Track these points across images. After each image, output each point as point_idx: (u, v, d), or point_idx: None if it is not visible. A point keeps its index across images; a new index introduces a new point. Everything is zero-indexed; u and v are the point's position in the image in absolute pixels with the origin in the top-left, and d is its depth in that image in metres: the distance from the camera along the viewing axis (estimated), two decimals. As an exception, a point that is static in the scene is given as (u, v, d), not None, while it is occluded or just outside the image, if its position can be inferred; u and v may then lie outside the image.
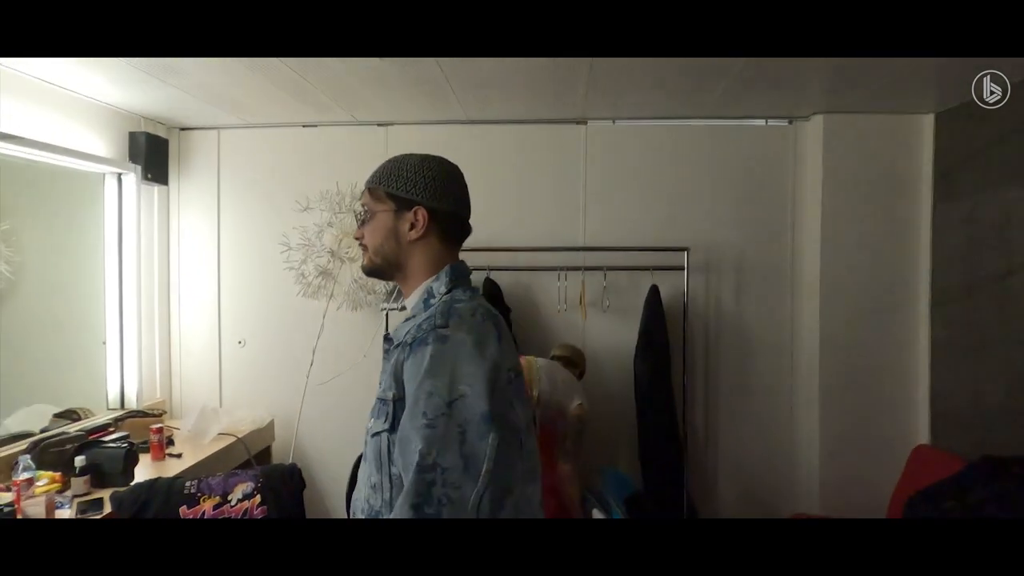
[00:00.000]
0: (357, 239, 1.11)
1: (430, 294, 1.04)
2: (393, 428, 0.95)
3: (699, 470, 3.09)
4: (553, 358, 2.75)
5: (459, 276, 1.07)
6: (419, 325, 0.98)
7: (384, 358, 1.04)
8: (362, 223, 1.10)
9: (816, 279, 2.91)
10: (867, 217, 2.88)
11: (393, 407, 0.96)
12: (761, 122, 3.05)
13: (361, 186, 1.16)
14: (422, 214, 1.05)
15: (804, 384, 3.02)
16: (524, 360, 2.55)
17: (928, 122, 2.83)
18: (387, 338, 1.06)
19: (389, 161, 1.11)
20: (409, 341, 0.97)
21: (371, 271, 1.10)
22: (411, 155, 1.11)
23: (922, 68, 2.25)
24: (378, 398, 1.01)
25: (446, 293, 1.03)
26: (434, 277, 1.06)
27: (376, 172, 1.10)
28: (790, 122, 3.03)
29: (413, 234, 1.06)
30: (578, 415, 2.50)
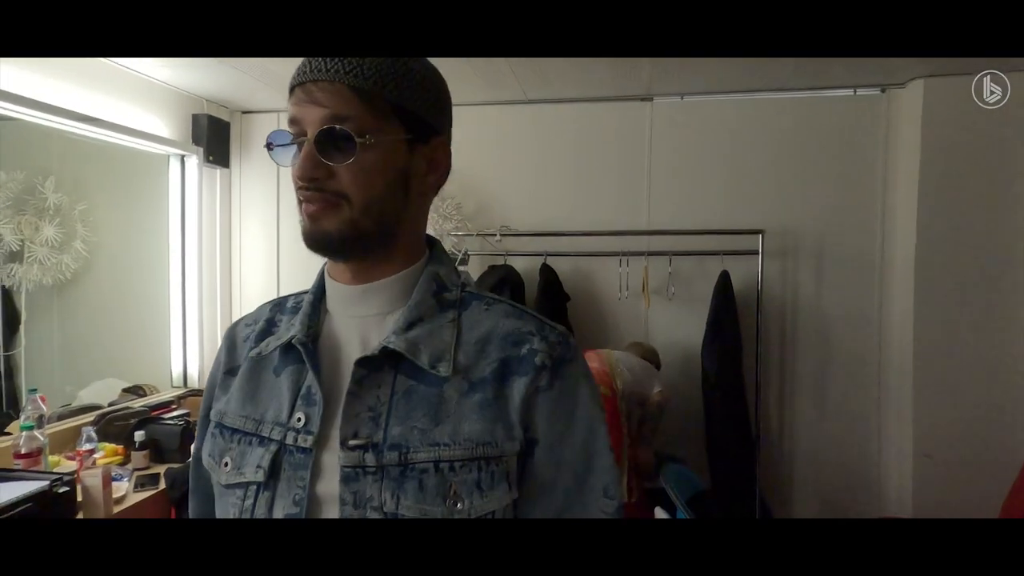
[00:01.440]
0: (311, 181, 0.62)
1: (441, 285, 0.69)
2: (521, 495, 0.64)
3: (773, 470, 2.86)
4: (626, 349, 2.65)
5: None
6: (510, 336, 0.66)
7: (394, 390, 0.64)
8: (324, 151, 0.61)
9: (910, 268, 2.61)
10: (972, 199, 2.54)
11: (517, 463, 0.64)
12: (848, 92, 2.76)
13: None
14: (445, 151, 0.70)
15: (894, 383, 2.73)
16: (601, 353, 2.49)
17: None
18: (393, 354, 0.64)
19: (383, 58, 0.64)
20: (530, 361, 0.64)
21: (344, 241, 0.63)
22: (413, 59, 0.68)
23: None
24: (473, 458, 0.61)
25: (463, 287, 0.71)
26: (429, 257, 0.71)
27: (362, 63, 0.62)
28: (883, 90, 2.73)
29: (432, 182, 0.69)
30: (658, 401, 2.49)
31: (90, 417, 2.37)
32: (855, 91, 2.76)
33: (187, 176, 2.97)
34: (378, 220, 0.64)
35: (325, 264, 0.72)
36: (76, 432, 2.27)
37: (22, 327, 2.29)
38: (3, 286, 2.20)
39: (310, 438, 0.62)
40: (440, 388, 0.63)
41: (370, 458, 0.60)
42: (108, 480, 1.83)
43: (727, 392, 2.66)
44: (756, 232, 2.69)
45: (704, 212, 2.84)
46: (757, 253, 2.70)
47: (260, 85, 2.78)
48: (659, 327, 2.90)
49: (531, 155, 2.98)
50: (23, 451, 1.91)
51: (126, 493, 1.96)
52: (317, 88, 0.62)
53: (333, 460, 0.61)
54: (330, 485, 0.61)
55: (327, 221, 0.63)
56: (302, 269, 3.21)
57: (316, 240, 0.64)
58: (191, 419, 2.46)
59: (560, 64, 2.45)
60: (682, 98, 2.90)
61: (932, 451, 2.61)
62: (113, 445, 2.22)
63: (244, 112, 3.24)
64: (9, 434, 2.12)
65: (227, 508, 0.65)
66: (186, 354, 2.99)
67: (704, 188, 2.86)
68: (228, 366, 0.74)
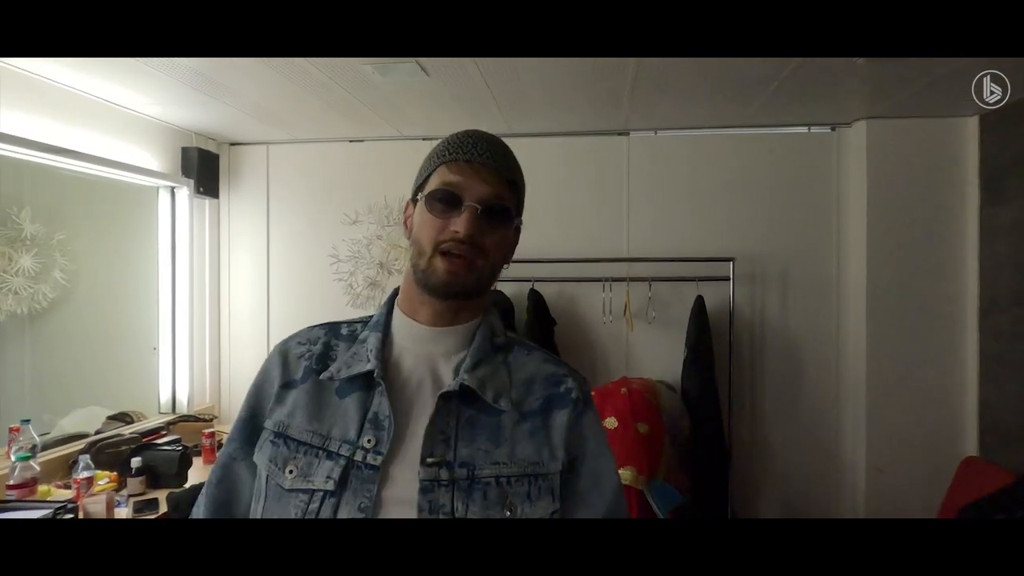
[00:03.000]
0: (467, 239, 0.76)
1: (493, 332, 0.84)
2: (564, 508, 0.77)
3: (744, 482, 3.01)
4: None
5: None
6: (550, 378, 0.82)
7: (466, 421, 0.77)
8: (489, 221, 0.78)
9: (862, 288, 2.85)
10: (913, 224, 2.82)
11: (560, 479, 0.77)
12: (803, 129, 3.02)
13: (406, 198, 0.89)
14: (519, 234, 0.87)
15: (850, 395, 2.94)
16: (646, 381, 2.74)
17: (973, 124, 2.76)
18: (467, 390, 0.77)
19: (504, 145, 0.84)
20: (567, 397, 0.81)
21: (469, 291, 0.79)
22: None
23: (964, 68, 2.20)
24: (525, 474, 0.75)
25: (505, 333, 0.86)
26: (486, 310, 0.86)
27: (507, 155, 0.83)
28: (832, 128, 3.00)
29: (510, 257, 0.86)
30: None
31: (79, 445, 2.35)
32: (809, 129, 3.02)
33: (177, 207, 3.01)
34: (490, 278, 0.82)
35: (394, 302, 0.86)
36: (62, 462, 2.26)
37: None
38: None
39: (380, 457, 0.74)
40: (498, 418, 0.77)
41: (444, 473, 0.73)
42: (111, 506, 1.84)
43: (705, 410, 2.80)
44: (728, 259, 2.89)
45: (679, 240, 3.02)
46: (729, 279, 2.89)
47: (248, 118, 2.85)
48: (640, 349, 3.05)
49: (515, 186, 3.12)
50: (15, 481, 1.90)
51: (127, 519, 1.96)
52: (484, 170, 0.79)
53: (400, 474, 0.73)
54: (394, 494, 0.73)
55: (466, 275, 0.78)
56: (291, 296, 3.27)
57: (451, 288, 0.78)
58: (186, 444, 2.48)
59: (542, 99, 2.61)
60: (656, 133, 3.10)
61: (883, 464, 2.81)
62: (108, 472, 2.21)
63: (232, 144, 3.31)
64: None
65: (287, 509, 0.74)
66: (175, 380, 2.99)
67: (679, 218, 3.05)
68: (283, 380, 0.82)
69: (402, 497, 0.72)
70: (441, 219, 0.77)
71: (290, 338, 0.87)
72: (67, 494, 2.03)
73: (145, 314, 2.97)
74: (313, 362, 0.82)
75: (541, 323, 2.89)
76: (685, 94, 2.57)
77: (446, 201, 0.77)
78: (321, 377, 0.80)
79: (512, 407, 0.78)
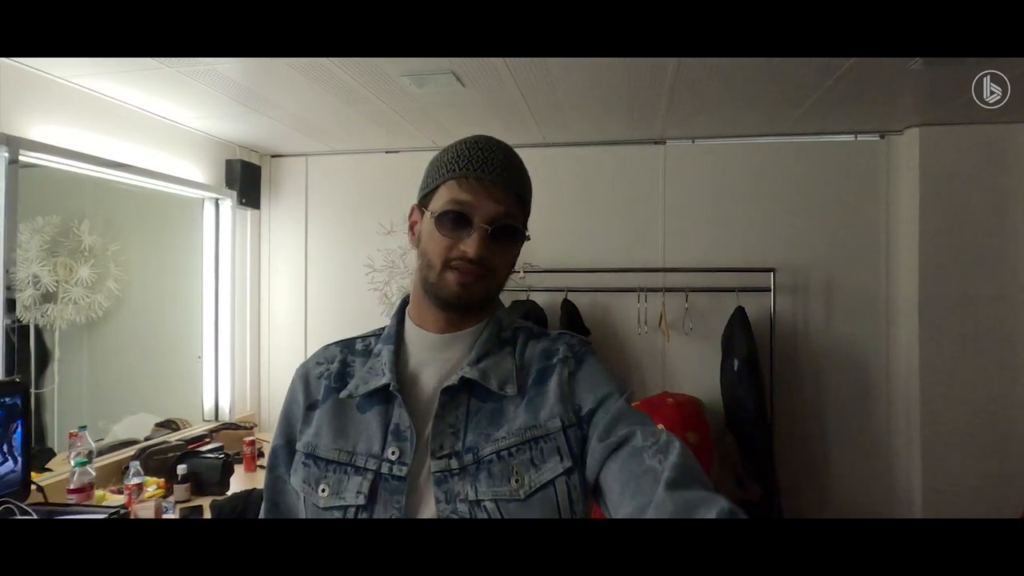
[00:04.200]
0: (478, 260, 0.77)
1: (501, 327, 0.85)
2: (576, 462, 0.75)
3: (792, 502, 2.93)
4: None
5: None
6: (544, 352, 0.83)
7: (464, 408, 0.78)
8: (498, 241, 0.78)
9: (914, 303, 2.74)
10: (968, 236, 2.70)
11: (565, 437, 0.76)
12: (850, 137, 2.93)
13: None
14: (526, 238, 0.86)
15: (901, 416, 2.83)
16: (688, 396, 2.79)
17: (1031, 131, 2.64)
18: (470, 382, 0.79)
19: (513, 155, 0.82)
20: (557, 361, 0.81)
21: (478, 304, 0.81)
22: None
23: (1012, 68, 2.11)
24: (524, 441, 0.75)
25: (514, 324, 0.88)
26: (494, 308, 0.87)
27: (516, 168, 0.81)
28: (882, 136, 2.90)
29: (515, 266, 0.87)
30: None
31: (130, 452, 2.44)
32: (856, 137, 2.93)
33: (221, 218, 3.10)
34: (497, 291, 0.84)
35: (405, 314, 0.87)
36: (116, 467, 2.35)
37: (54, 364, 2.37)
38: (36, 325, 2.28)
39: (405, 468, 0.75)
40: (503, 403, 0.79)
41: (454, 463, 0.75)
42: (159, 512, 1.90)
43: (756, 428, 2.71)
44: (768, 270, 2.82)
45: (717, 250, 2.97)
46: (770, 290, 2.82)
47: (288, 130, 2.92)
48: (677, 360, 3.01)
49: (551, 195, 3.12)
50: (75, 486, 1.98)
51: (173, 519, 2.02)
52: (494, 187, 0.78)
53: (423, 477, 0.75)
54: (422, 500, 0.74)
55: (476, 289, 0.79)
56: (328, 305, 3.32)
57: (462, 300, 0.79)
58: (228, 452, 2.54)
59: (577, 108, 2.60)
60: (693, 142, 3.06)
61: (941, 484, 2.69)
62: (156, 479, 2.28)
63: (273, 156, 3.39)
64: (50, 470, 2.19)
65: None
66: (217, 389, 3.08)
67: (717, 228, 3.00)
68: (307, 402, 0.84)
69: (421, 499, 0.74)
70: (450, 238, 0.78)
71: (309, 360, 0.88)
72: (120, 499, 2.10)
73: (191, 323, 3.06)
74: (332, 380, 0.83)
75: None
76: (722, 103, 2.53)
77: (456, 221, 0.77)
78: (341, 395, 0.81)
79: (517, 392, 0.79)
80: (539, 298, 2.96)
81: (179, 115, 2.69)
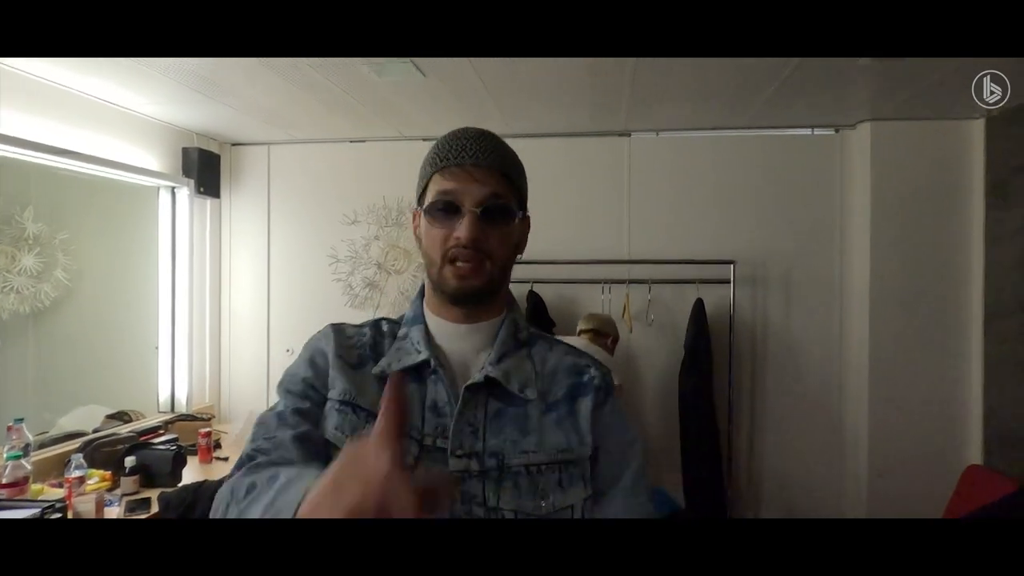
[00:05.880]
0: (471, 244, 0.75)
1: (517, 327, 0.84)
2: (594, 492, 0.77)
3: (743, 488, 2.97)
4: (580, 333, 2.66)
5: None
6: (573, 368, 0.83)
7: (484, 412, 0.76)
8: (489, 220, 0.77)
9: (865, 292, 2.80)
10: (917, 227, 2.77)
11: (589, 466, 0.78)
12: (806, 131, 2.97)
13: (409, 201, 0.91)
14: (528, 223, 0.86)
15: (852, 400, 2.89)
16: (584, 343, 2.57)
17: (979, 127, 2.70)
18: (493, 382, 0.77)
19: (494, 138, 0.82)
20: (590, 385, 0.81)
21: (483, 293, 0.79)
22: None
23: (970, 69, 2.15)
24: (556, 461, 0.75)
25: (528, 329, 0.87)
26: (509, 305, 0.86)
27: (497, 149, 0.81)
28: (836, 131, 2.95)
29: (522, 246, 0.85)
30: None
31: (75, 444, 2.37)
32: (812, 131, 2.97)
33: (178, 207, 3.03)
34: (501, 276, 0.81)
35: (422, 301, 0.86)
36: (59, 460, 2.27)
37: (-6, 355, 2.30)
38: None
39: (447, 442, 0.74)
40: (524, 408, 0.77)
41: (474, 464, 0.73)
42: (101, 505, 1.84)
43: (701, 414, 2.77)
44: (728, 262, 2.85)
45: (680, 243, 2.99)
46: (729, 282, 2.84)
47: (248, 119, 2.86)
48: (640, 351, 3.02)
49: (515, 187, 3.11)
50: (6, 480, 1.91)
51: (118, 518, 1.96)
52: (477, 170, 0.78)
53: (455, 464, 0.73)
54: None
55: (476, 278, 0.77)
56: (291, 295, 3.27)
57: (465, 292, 0.78)
58: (182, 444, 2.49)
59: (540, 99, 2.59)
60: (657, 134, 3.07)
61: (886, 468, 2.75)
62: (101, 471, 2.22)
63: (234, 144, 3.32)
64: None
65: None
66: (174, 379, 3.01)
67: (679, 220, 3.02)
68: (340, 354, 0.80)
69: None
70: (443, 229, 0.77)
71: (339, 323, 0.87)
72: (60, 493, 2.04)
73: (146, 313, 2.98)
74: (366, 350, 0.82)
75: (540, 325, 2.87)
76: (685, 95, 2.54)
77: (445, 210, 0.77)
78: (373, 371, 0.79)
79: (538, 397, 0.78)
80: (503, 289, 2.95)
81: (133, 102, 2.62)
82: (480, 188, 0.77)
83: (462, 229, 0.75)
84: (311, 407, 0.79)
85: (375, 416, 0.71)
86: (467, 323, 0.82)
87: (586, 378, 0.82)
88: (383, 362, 0.80)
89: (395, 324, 0.86)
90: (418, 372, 0.78)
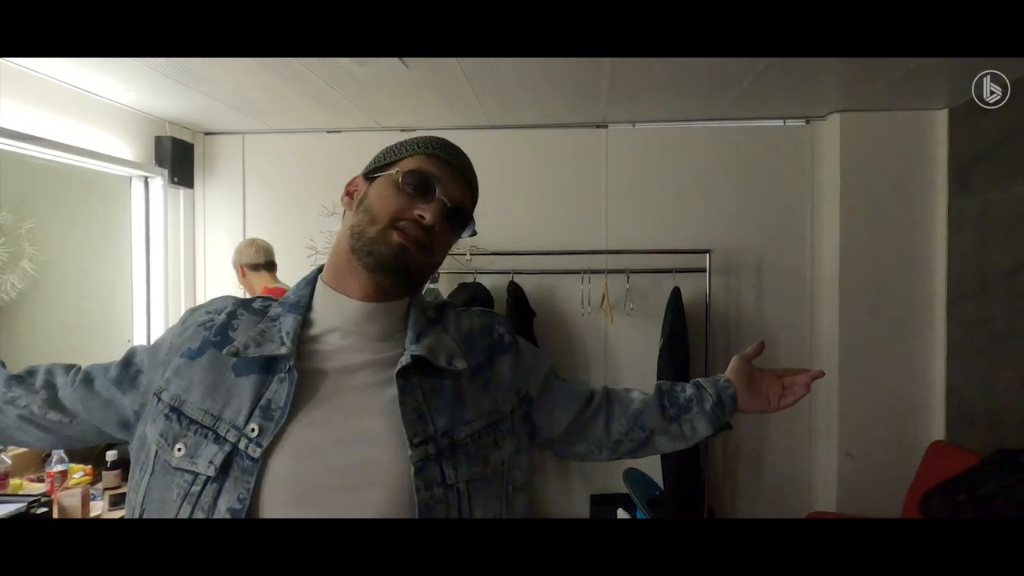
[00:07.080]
0: (430, 226, 0.76)
1: (424, 306, 0.85)
2: (526, 438, 0.86)
3: (718, 470, 3.08)
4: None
5: None
6: (484, 329, 0.87)
7: (423, 388, 0.76)
8: (450, 221, 0.79)
9: (835, 279, 2.92)
10: (885, 216, 2.88)
11: (512, 417, 0.83)
12: (779, 122, 3.07)
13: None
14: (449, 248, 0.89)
15: (823, 384, 3.01)
16: None
17: (942, 118, 2.83)
18: (421, 360, 0.76)
19: (463, 153, 0.84)
20: (502, 341, 0.87)
21: (412, 274, 0.78)
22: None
23: (934, 63, 2.25)
24: (490, 423, 0.78)
25: (445, 300, 0.94)
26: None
27: (471, 170, 0.84)
28: (807, 122, 3.05)
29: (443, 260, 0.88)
30: None
31: (53, 440, 2.32)
32: (785, 122, 3.07)
33: (151, 197, 2.96)
34: (428, 274, 0.82)
35: (318, 278, 0.82)
36: (35, 456, 2.23)
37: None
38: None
39: (259, 450, 0.69)
40: (456, 380, 0.78)
41: (431, 448, 0.72)
42: (87, 500, 1.82)
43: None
44: (704, 251, 2.93)
45: (657, 232, 3.06)
46: (705, 271, 2.93)
47: (223, 107, 2.81)
48: (619, 340, 3.09)
49: (495, 178, 3.12)
50: (-13, 475, 1.88)
51: (101, 512, 1.94)
52: (459, 176, 0.81)
53: (284, 468, 0.68)
54: (275, 488, 0.68)
55: (414, 257, 0.76)
56: (267, 288, 3.23)
57: (399, 262, 0.75)
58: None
59: (521, 91, 2.62)
60: (634, 126, 3.13)
61: (854, 449, 2.89)
62: (83, 466, 2.18)
63: (207, 133, 3.26)
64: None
65: (170, 487, 0.70)
66: (149, 375, 2.95)
67: (656, 210, 3.09)
68: (180, 348, 0.77)
69: (283, 496, 0.68)
70: (408, 199, 0.76)
71: (201, 305, 0.85)
72: (41, 488, 2.01)
73: (119, 305, 2.92)
74: (212, 333, 0.77)
75: (521, 316, 2.91)
76: (662, 88, 2.59)
77: (421, 185, 0.77)
78: (224, 351, 0.74)
79: (465, 366, 0.78)
80: (486, 280, 2.97)
81: (104, 89, 2.54)
82: (458, 189, 0.80)
83: (429, 210, 0.76)
84: (111, 385, 0.81)
85: (198, 426, 0.72)
86: (376, 302, 0.78)
87: (496, 336, 0.87)
88: (238, 342, 0.74)
89: (272, 301, 0.83)
90: (269, 364, 0.74)
